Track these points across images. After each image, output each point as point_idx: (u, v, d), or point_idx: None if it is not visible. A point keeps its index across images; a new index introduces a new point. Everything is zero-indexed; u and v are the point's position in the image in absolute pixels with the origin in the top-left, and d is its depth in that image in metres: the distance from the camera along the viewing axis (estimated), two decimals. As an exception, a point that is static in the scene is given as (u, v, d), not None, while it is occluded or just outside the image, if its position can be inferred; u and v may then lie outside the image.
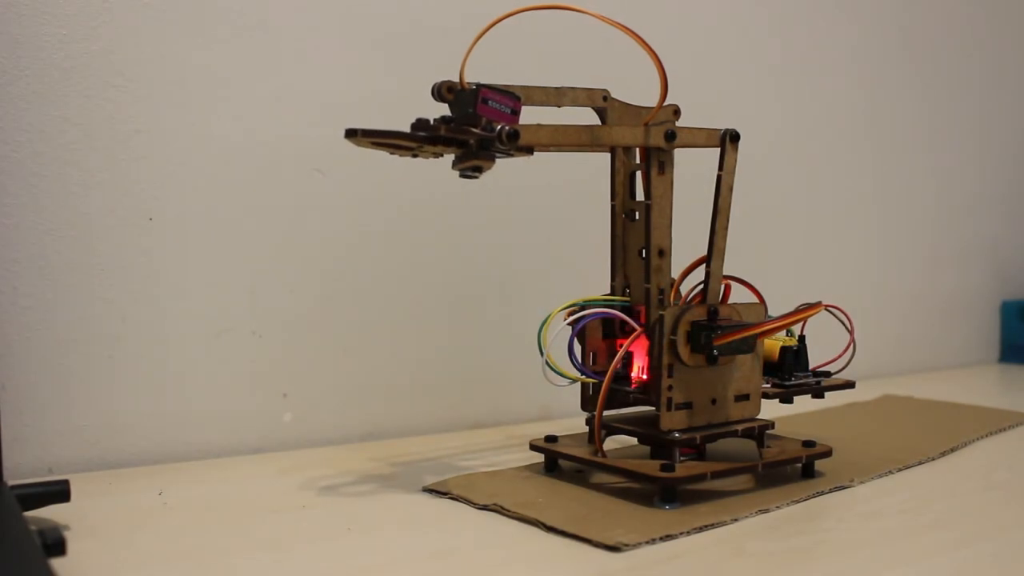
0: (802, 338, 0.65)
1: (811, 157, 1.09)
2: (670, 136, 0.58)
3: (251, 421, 0.71)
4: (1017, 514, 0.56)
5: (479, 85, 0.53)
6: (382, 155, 0.77)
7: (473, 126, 0.51)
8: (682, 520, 0.51)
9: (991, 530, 0.52)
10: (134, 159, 0.66)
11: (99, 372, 0.65)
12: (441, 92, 0.55)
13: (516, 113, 0.53)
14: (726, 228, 0.60)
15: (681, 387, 0.56)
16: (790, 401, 0.64)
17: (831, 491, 0.58)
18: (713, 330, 0.55)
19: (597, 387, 0.59)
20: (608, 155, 0.64)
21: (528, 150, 0.53)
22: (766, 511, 0.54)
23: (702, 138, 0.60)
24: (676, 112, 0.63)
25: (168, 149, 0.67)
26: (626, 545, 0.47)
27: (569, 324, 0.59)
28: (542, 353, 0.57)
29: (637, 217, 0.63)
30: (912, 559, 0.47)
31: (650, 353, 0.57)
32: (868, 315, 1.16)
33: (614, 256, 0.63)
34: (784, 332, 0.65)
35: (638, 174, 0.63)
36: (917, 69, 1.21)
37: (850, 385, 0.67)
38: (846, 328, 0.66)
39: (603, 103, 0.62)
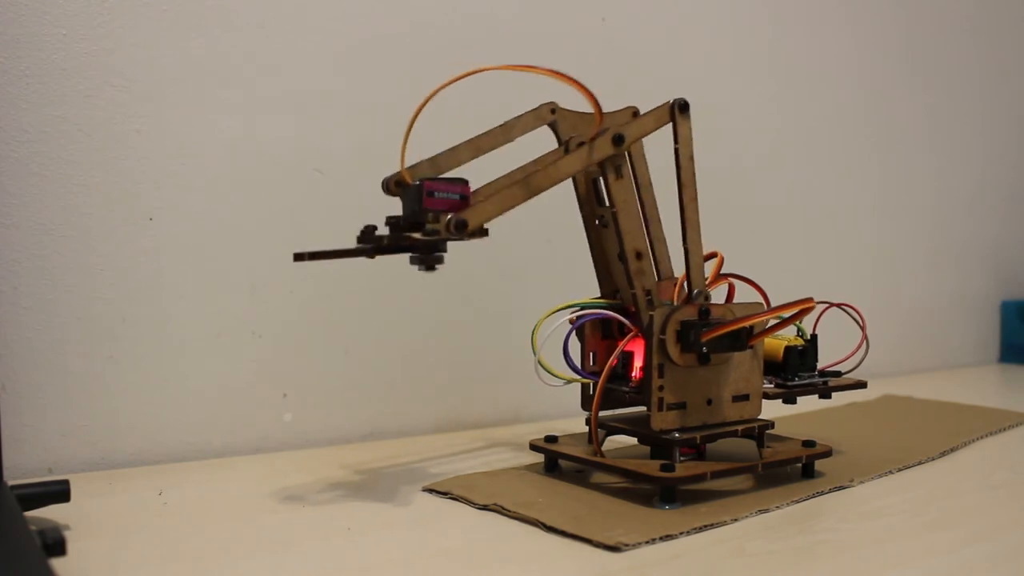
0: (813, 338, 0.65)
1: (812, 158, 1.09)
2: (619, 140, 0.55)
3: (251, 421, 0.71)
4: (1017, 514, 0.56)
5: (423, 180, 0.52)
6: (381, 156, 0.77)
7: (421, 225, 0.51)
8: (682, 520, 0.51)
9: (991, 530, 0.52)
10: (134, 159, 0.66)
11: (99, 372, 0.65)
12: (390, 187, 0.55)
13: (465, 198, 0.52)
14: (695, 199, 0.58)
15: (673, 387, 0.56)
16: (793, 402, 0.64)
17: (831, 491, 0.58)
18: (701, 326, 0.55)
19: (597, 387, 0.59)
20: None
21: (482, 232, 0.52)
22: (766, 511, 0.54)
23: (652, 122, 0.57)
24: (635, 114, 0.61)
25: (168, 149, 0.67)
26: (626, 545, 0.47)
27: (568, 321, 0.59)
28: (535, 354, 0.58)
29: (608, 223, 0.61)
30: (912, 559, 0.47)
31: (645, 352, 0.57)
32: (869, 315, 1.16)
33: (596, 263, 0.63)
34: (795, 332, 0.64)
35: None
36: (918, 69, 1.21)
37: (861, 385, 0.66)
38: (860, 327, 0.66)
39: (552, 116, 0.60)
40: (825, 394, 0.64)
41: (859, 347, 0.65)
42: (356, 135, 0.75)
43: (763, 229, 1.04)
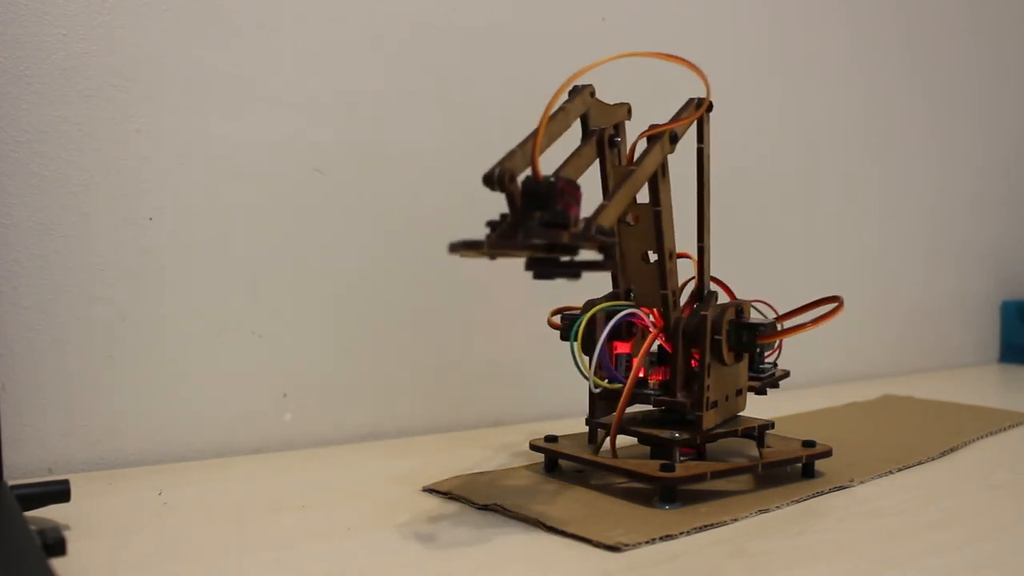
0: None
1: (811, 158, 1.09)
2: (674, 139, 0.57)
3: (251, 421, 0.71)
4: (1018, 514, 0.56)
5: (557, 177, 0.46)
6: (380, 155, 0.77)
7: (564, 226, 0.45)
8: (682, 520, 0.51)
9: (991, 530, 0.52)
10: (134, 159, 0.66)
11: (99, 372, 0.65)
12: (503, 181, 0.46)
13: (579, 202, 0.48)
14: (709, 199, 0.60)
15: (715, 386, 0.57)
16: (764, 392, 0.64)
17: (831, 491, 0.58)
18: (755, 329, 0.56)
19: (605, 391, 0.59)
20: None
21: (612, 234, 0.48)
22: (766, 511, 0.54)
23: (690, 121, 0.58)
24: (629, 111, 0.61)
25: (168, 149, 0.67)
26: (626, 545, 0.47)
27: (550, 323, 0.59)
28: (577, 365, 0.57)
29: (631, 222, 0.60)
30: (912, 559, 0.47)
31: (674, 353, 0.57)
32: (869, 315, 1.16)
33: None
34: None
35: None
36: (918, 69, 1.21)
37: (786, 374, 0.66)
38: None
39: (590, 102, 0.59)
40: (773, 384, 0.64)
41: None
42: (356, 135, 0.75)
43: (763, 229, 1.04)
